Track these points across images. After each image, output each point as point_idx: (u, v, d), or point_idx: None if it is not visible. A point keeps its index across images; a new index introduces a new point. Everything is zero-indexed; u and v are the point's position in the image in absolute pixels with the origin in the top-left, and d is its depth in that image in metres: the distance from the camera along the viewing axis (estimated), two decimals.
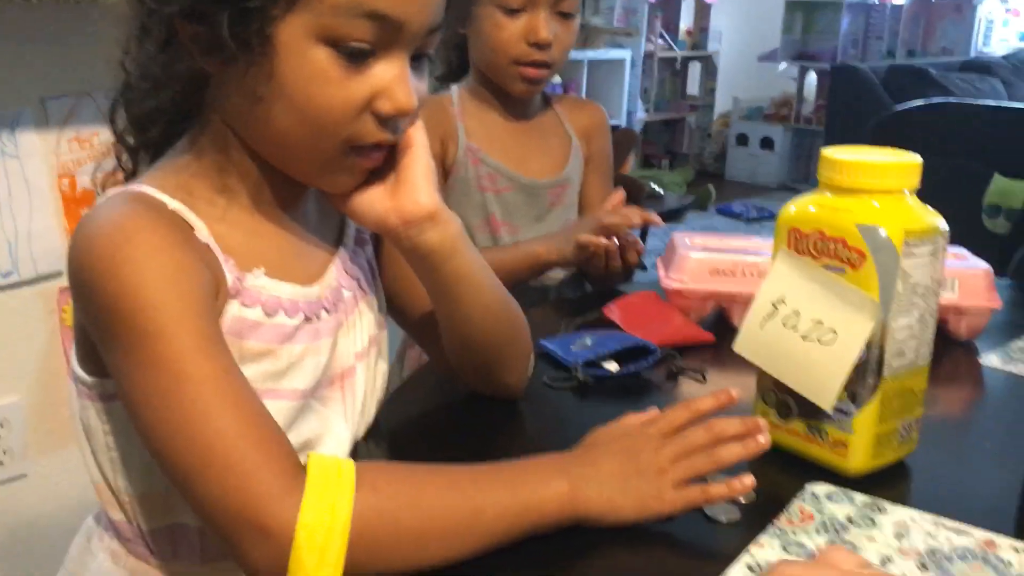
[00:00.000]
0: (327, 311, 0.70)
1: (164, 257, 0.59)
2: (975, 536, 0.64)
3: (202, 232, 0.63)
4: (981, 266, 1.03)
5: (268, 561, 0.54)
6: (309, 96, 0.61)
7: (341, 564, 0.54)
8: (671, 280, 1.05)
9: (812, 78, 5.82)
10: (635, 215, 1.17)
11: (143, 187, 0.64)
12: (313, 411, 0.70)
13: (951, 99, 1.48)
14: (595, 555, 0.62)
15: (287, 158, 0.66)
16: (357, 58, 0.61)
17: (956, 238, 1.13)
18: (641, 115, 5.68)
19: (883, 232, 0.67)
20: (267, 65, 0.60)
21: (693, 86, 6.19)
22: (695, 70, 6.13)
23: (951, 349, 1.01)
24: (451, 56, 1.31)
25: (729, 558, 0.61)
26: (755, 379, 0.76)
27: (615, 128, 3.57)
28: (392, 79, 0.63)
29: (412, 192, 0.68)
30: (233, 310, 0.64)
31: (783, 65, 5.90)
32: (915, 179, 0.69)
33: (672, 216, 4.16)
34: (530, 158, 1.27)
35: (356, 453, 0.74)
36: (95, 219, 0.61)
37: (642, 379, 0.88)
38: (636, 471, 0.63)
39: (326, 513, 0.54)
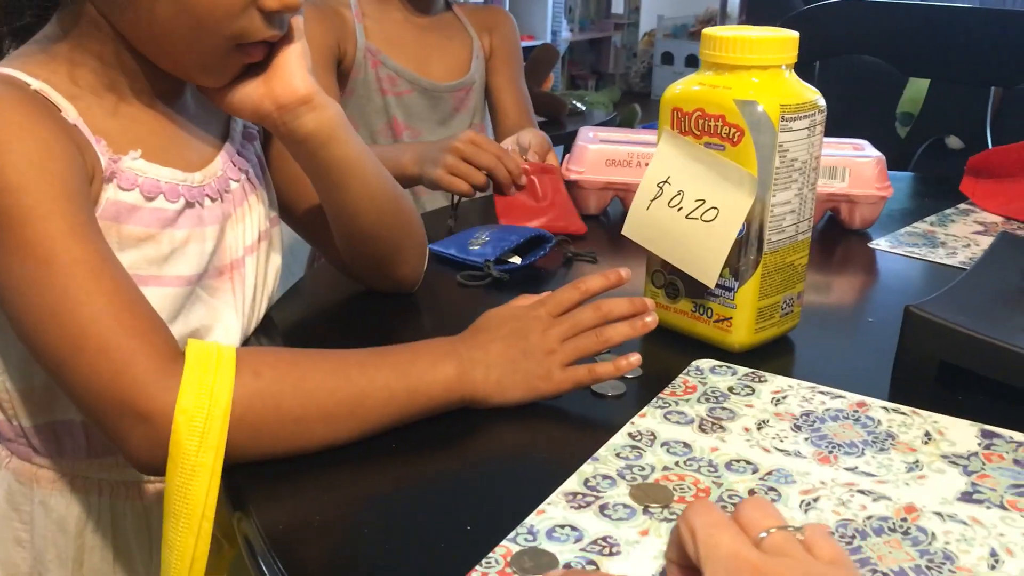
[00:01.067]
0: (211, 199, 0.69)
1: (29, 138, 0.57)
2: (848, 398, 0.67)
3: (70, 113, 0.61)
4: (874, 155, 1.05)
5: (148, 446, 0.54)
6: None
7: (223, 447, 0.54)
8: (570, 171, 1.05)
9: None
10: (487, 158, 1.03)
11: (3, 69, 0.61)
12: (201, 300, 0.69)
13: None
14: (482, 433, 0.63)
15: (166, 54, 0.64)
16: None
17: (866, 133, 1.16)
18: (566, 34, 5.62)
19: (760, 107, 0.67)
20: None
21: (618, 5, 6.14)
22: None
23: (845, 236, 1.04)
24: None
25: (614, 429, 0.62)
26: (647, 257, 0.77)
27: (535, 46, 3.53)
28: None
29: (286, 77, 0.67)
30: (110, 194, 0.62)
31: None
32: (792, 54, 0.70)
33: None
34: (431, 60, 1.25)
35: (247, 346, 0.73)
36: None
37: (538, 267, 0.89)
38: (524, 352, 0.64)
39: (205, 396, 0.54)
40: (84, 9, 0.64)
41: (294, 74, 0.67)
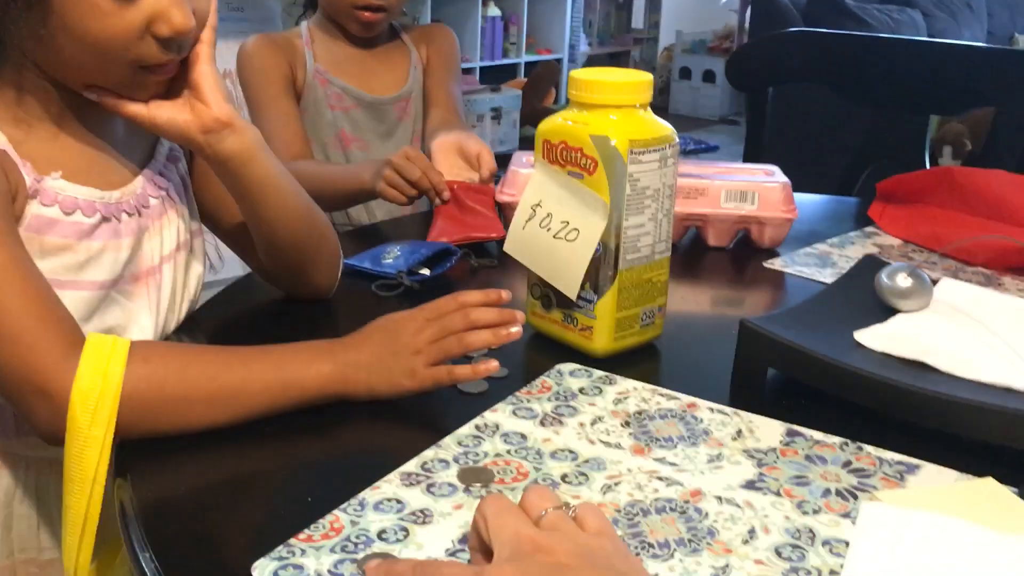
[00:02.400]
0: (128, 214, 0.79)
1: None
2: (682, 400, 0.75)
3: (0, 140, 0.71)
4: (781, 180, 1.13)
5: (49, 420, 0.64)
6: (87, 30, 0.68)
7: (112, 424, 0.63)
8: (503, 194, 1.15)
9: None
10: (414, 172, 1.12)
11: None
12: (116, 303, 0.79)
13: (807, 29, 1.56)
14: (349, 422, 0.72)
15: (81, 82, 0.74)
16: None
17: (814, 157, 1.24)
18: (584, 48, 5.72)
19: (612, 141, 0.76)
20: (42, 5, 0.67)
21: (638, 19, 6.23)
22: (640, 3, 6.16)
23: (753, 255, 1.12)
24: None
25: (467, 421, 0.71)
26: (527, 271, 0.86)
27: (540, 63, 3.64)
28: (167, 3, 0.69)
29: (208, 104, 0.76)
30: (32, 209, 0.72)
31: None
32: (646, 95, 0.79)
33: None
34: (373, 78, 1.38)
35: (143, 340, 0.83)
36: None
37: (447, 276, 0.99)
38: (392, 352, 0.72)
39: (99, 378, 0.63)
40: (8, 49, 0.72)
41: (215, 102, 0.76)
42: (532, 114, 3.07)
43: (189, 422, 0.67)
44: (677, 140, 0.80)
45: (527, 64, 5.08)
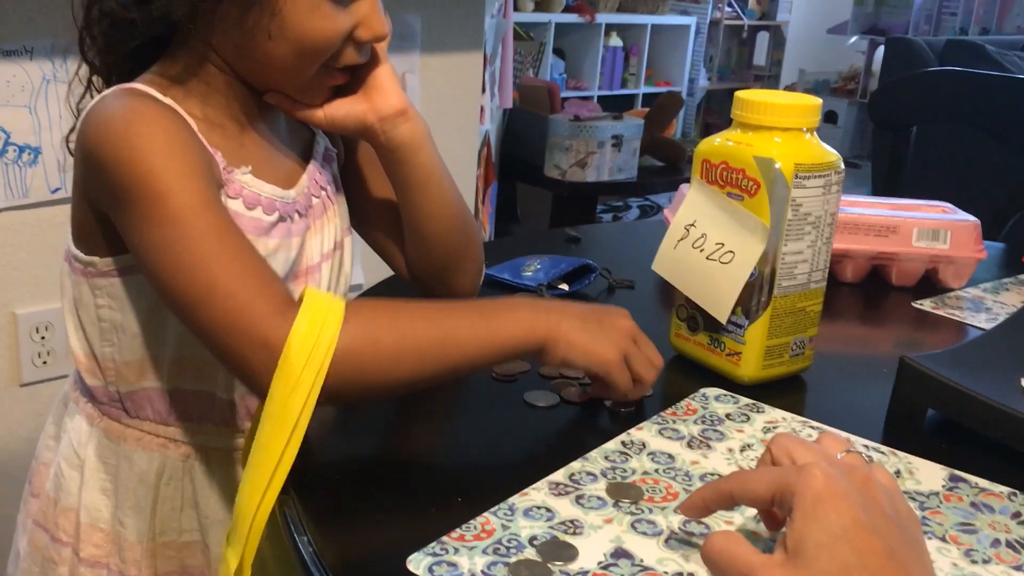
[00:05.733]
0: (300, 214, 0.81)
1: (168, 132, 0.70)
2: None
3: (194, 127, 0.74)
4: (970, 219, 1.09)
5: (267, 369, 0.62)
6: (306, 31, 0.72)
7: (323, 374, 0.62)
8: (669, 215, 1.12)
9: (882, 53, 5.74)
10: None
11: (134, 84, 0.75)
12: None
13: (955, 68, 1.51)
14: (494, 431, 0.72)
15: (270, 81, 0.77)
16: None
17: (953, 199, 1.20)
18: (703, 83, 5.68)
19: (776, 164, 0.75)
20: (270, 4, 0.70)
21: (760, 56, 6.16)
22: (763, 40, 6.09)
23: (892, 292, 1.08)
24: None
25: (609, 437, 0.71)
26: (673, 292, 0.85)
27: (665, 93, 3.61)
28: (369, 10, 0.74)
29: (384, 94, 0.79)
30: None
31: (853, 38, 5.83)
32: (813, 119, 0.77)
33: None
34: None
35: None
36: (103, 105, 0.72)
37: (584, 293, 0.98)
38: (600, 322, 0.71)
39: (317, 327, 0.63)
40: (193, 47, 0.75)
41: (392, 90, 0.79)
42: (652, 143, 3.04)
43: (400, 377, 0.67)
44: (843, 167, 0.78)
45: (645, 95, 5.08)
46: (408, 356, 0.66)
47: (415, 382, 0.68)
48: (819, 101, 0.77)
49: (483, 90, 2.27)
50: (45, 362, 1.54)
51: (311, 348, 0.62)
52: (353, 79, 0.79)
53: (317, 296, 0.65)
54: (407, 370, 0.67)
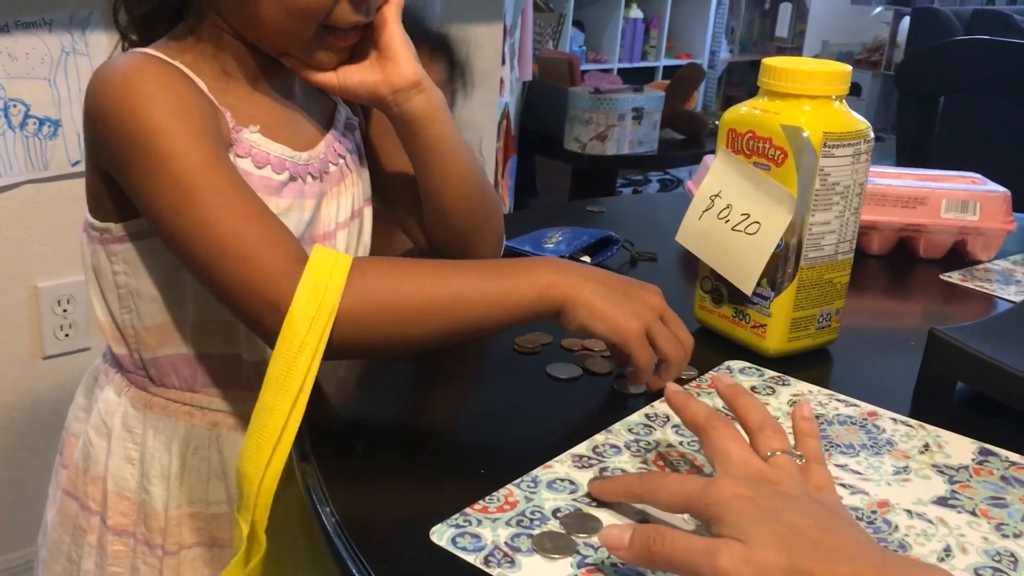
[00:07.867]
0: (313, 177, 0.81)
1: (172, 92, 0.70)
2: (862, 407, 0.72)
3: (203, 87, 0.74)
4: (1000, 190, 1.07)
5: (278, 328, 0.62)
6: None
7: (326, 336, 0.62)
8: (692, 187, 1.11)
9: (906, 23, 5.65)
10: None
11: (145, 50, 0.75)
12: None
13: (985, 38, 1.47)
14: (518, 403, 0.71)
15: (273, 42, 0.76)
16: None
17: (980, 169, 1.17)
18: (725, 55, 5.61)
19: (804, 133, 0.73)
20: None
21: (782, 28, 6.07)
22: (785, 11, 6.00)
23: (920, 265, 1.06)
24: None
25: (637, 409, 0.70)
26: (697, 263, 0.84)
27: (686, 65, 3.57)
28: None
29: (397, 65, 0.77)
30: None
31: (877, 9, 5.74)
32: (843, 86, 0.75)
33: None
34: None
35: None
36: (109, 66, 0.72)
37: (606, 265, 0.97)
38: (626, 292, 0.68)
39: (320, 289, 0.63)
40: (205, 12, 0.76)
41: (404, 62, 0.77)
42: (673, 116, 3.01)
43: (405, 338, 0.66)
44: (872, 136, 0.76)
45: (665, 68, 5.02)
46: (413, 316, 0.65)
47: (422, 342, 0.67)
48: (848, 68, 0.76)
49: (503, 62, 2.25)
50: (67, 335, 1.55)
51: (315, 310, 0.62)
52: (367, 43, 0.78)
53: (323, 255, 0.65)
54: (413, 330, 0.66)
